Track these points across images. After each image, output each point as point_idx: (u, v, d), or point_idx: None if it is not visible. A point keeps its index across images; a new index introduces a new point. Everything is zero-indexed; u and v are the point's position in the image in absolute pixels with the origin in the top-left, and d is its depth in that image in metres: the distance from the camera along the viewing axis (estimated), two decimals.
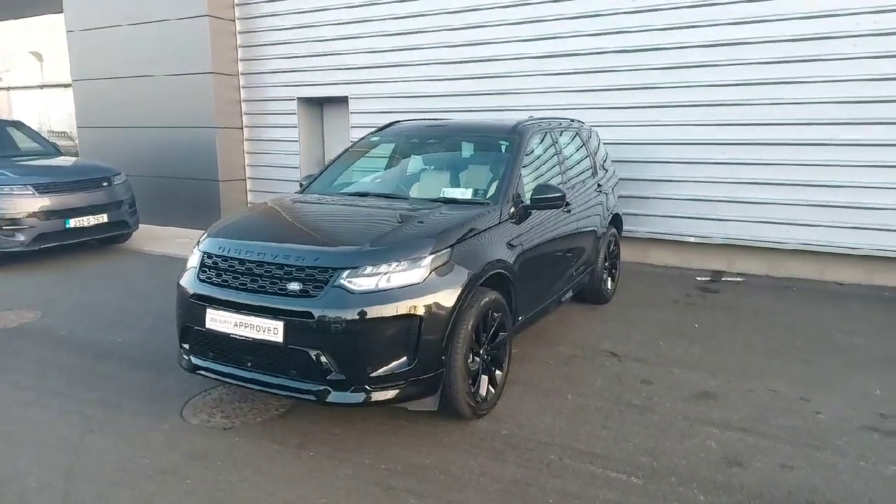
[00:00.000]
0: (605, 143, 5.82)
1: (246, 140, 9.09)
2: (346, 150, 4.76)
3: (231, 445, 3.02)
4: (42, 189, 6.60)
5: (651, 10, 6.15)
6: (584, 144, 5.19)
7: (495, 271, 3.33)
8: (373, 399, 2.87)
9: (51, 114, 13.05)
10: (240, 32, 8.78)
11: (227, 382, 3.19)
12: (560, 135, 4.80)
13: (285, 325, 2.86)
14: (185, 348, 3.28)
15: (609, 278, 5.36)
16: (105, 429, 3.20)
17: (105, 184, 7.15)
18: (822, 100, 5.65)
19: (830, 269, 5.96)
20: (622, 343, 4.37)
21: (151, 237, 8.21)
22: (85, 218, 6.86)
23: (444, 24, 7.25)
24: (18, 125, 8.24)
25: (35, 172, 6.90)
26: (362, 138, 4.80)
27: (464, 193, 3.87)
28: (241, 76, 8.90)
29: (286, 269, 2.96)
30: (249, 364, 3.02)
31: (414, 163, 4.53)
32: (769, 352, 4.22)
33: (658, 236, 6.60)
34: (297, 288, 2.90)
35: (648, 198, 6.53)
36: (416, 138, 4.67)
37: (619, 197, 5.86)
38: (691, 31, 6.03)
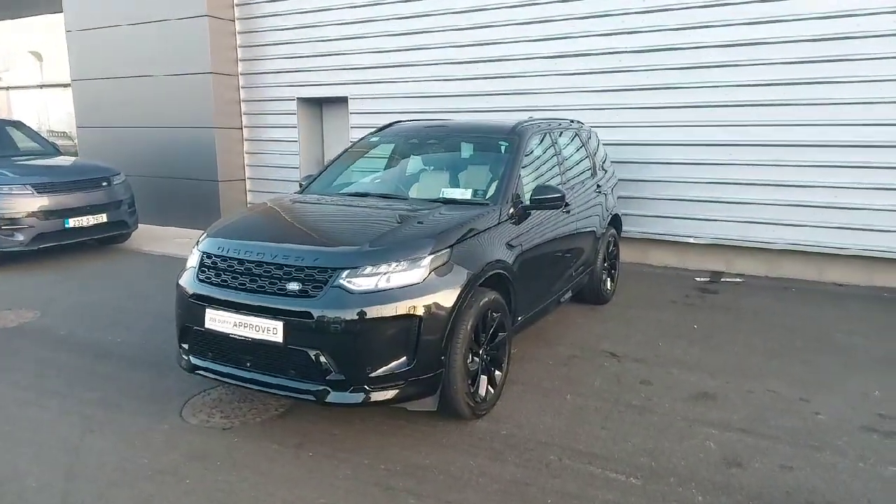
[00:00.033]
0: (605, 144, 5.82)
1: (245, 140, 9.09)
2: (346, 151, 4.76)
3: (230, 445, 3.02)
4: (41, 189, 6.60)
5: (661, 11, 6.13)
6: (583, 145, 5.19)
7: (495, 271, 3.34)
8: (372, 399, 2.87)
9: (50, 113, 13.04)
10: (239, 32, 8.78)
11: (227, 382, 3.19)
12: (559, 135, 4.80)
13: (284, 326, 2.86)
14: (184, 348, 3.28)
15: (608, 279, 5.36)
16: (105, 429, 3.19)
17: (104, 184, 7.15)
18: (822, 100, 5.66)
19: (830, 270, 5.97)
20: (621, 343, 4.37)
21: (151, 237, 8.21)
22: (84, 218, 6.86)
23: (450, 24, 7.23)
24: (18, 125, 8.24)
25: (34, 172, 6.90)
26: (362, 138, 4.80)
27: (463, 194, 3.87)
28: (240, 76, 8.90)
29: (285, 269, 2.96)
30: (249, 364, 3.02)
31: (413, 163, 4.53)
32: (769, 352, 4.22)
33: (657, 237, 6.60)
34: (297, 288, 2.90)
35: (647, 198, 6.53)
36: (415, 139, 4.67)
37: (619, 198, 5.87)
38: (701, 31, 6.00)
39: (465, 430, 3.15)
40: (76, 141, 10.36)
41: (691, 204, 6.34)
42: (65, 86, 11.13)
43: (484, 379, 3.27)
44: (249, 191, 9.20)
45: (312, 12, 8.13)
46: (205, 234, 3.42)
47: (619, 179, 6.15)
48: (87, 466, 2.84)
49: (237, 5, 8.70)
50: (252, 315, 2.93)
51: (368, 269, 2.89)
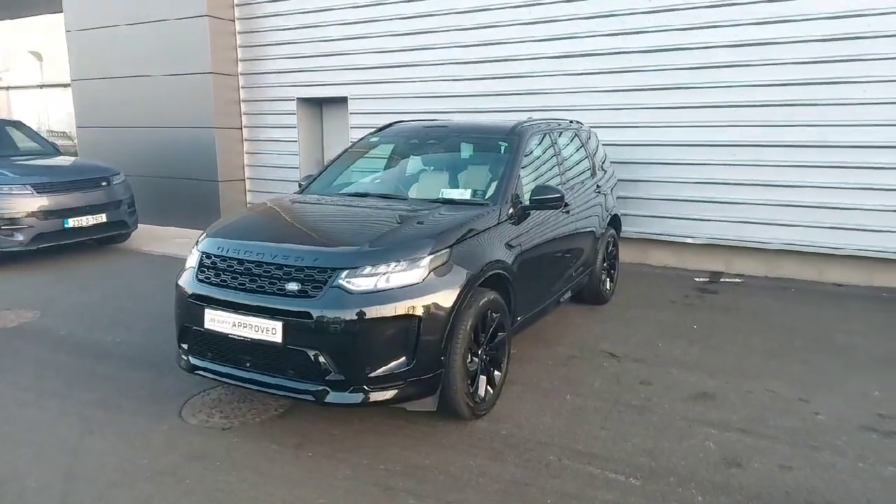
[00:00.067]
0: (609, 145, 5.83)
1: (245, 140, 9.09)
2: (346, 151, 4.76)
3: (230, 446, 3.02)
4: (41, 189, 6.60)
5: (667, 10, 6.12)
6: (583, 145, 5.19)
7: (494, 272, 3.34)
8: (371, 399, 2.87)
9: (50, 113, 13.04)
10: (239, 32, 8.78)
11: (226, 383, 3.19)
12: (559, 136, 4.80)
13: (284, 326, 2.86)
14: (183, 348, 3.28)
15: (608, 279, 5.36)
16: (104, 429, 3.19)
17: (104, 184, 7.15)
18: (821, 101, 5.66)
19: (829, 270, 5.97)
20: (621, 344, 4.38)
21: (150, 237, 8.21)
22: (84, 218, 6.86)
23: (454, 24, 7.20)
24: (18, 125, 8.24)
25: (34, 172, 6.90)
26: (362, 139, 4.80)
27: (463, 194, 3.87)
28: (240, 76, 8.90)
29: (285, 269, 2.96)
30: (248, 364, 3.02)
31: (413, 163, 4.53)
32: (768, 352, 4.23)
33: (656, 237, 6.60)
34: (296, 288, 2.90)
35: (647, 199, 6.53)
36: (415, 139, 4.67)
37: (618, 198, 5.87)
38: (708, 31, 5.98)
39: (465, 431, 3.15)
40: (76, 141, 10.36)
41: (690, 204, 6.34)
42: (64, 86, 11.13)
43: (483, 379, 3.27)
44: (249, 191, 9.20)
45: (313, 12, 8.13)
46: (204, 234, 3.42)
47: (620, 180, 6.15)
48: (86, 467, 2.84)
49: (237, 5, 8.70)
50: (251, 315, 2.93)
51: (368, 270, 2.89)
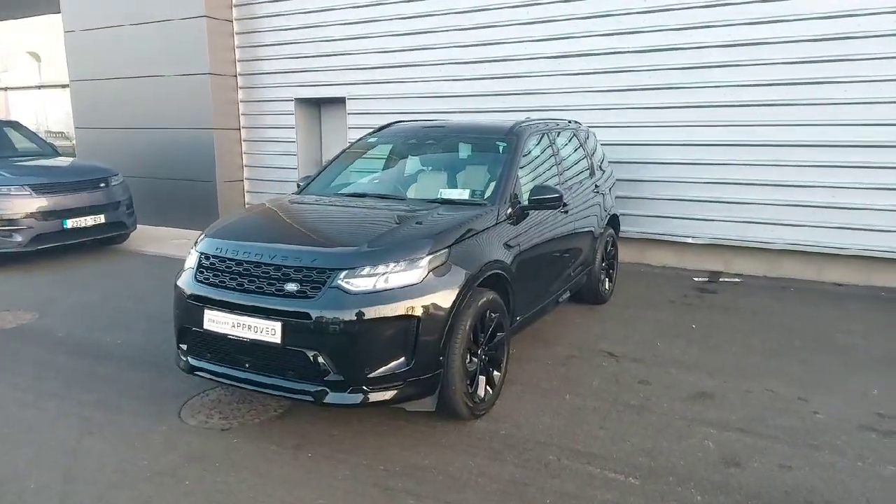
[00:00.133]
0: (607, 144, 5.82)
1: (244, 141, 9.09)
2: (344, 151, 4.76)
3: (229, 446, 3.02)
4: (39, 190, 6.59)
5: (662, 10, 6.13)
6: (581, 145, 5.20)
7: (493, 272, 3.34)
8: (370, 400, 2.87)
9: (48, 114, 13.04)
10: (238, 33, 8.77)
11: (225, 383, 3.19)
12: (557, 136, 4.80)
13: (283, 326, 2.86)
14: (182, 349, 3.27)
15: (607, 279, 5.36)
16: (104, 430, 3.19)
17: (102, 184, 7.14)
18: (822, 100, 5.67)
19: (829, 270, 5.98)
20: (620, 343, 4.38)
21: (149, 238, 8.20)
22: (82, 219, 6.86)
23: (453, 25, 7.20)
24: (16, 125, 8.23)
25: (32, 173, 6.89)
26: (360, 139, 4.80)
27: (461, 194, 3.87)
28: (238, 77, 8.90)
29: (284, 269, 2.96)
30: (247, 365, 3.02)
31: (411, 164, 4.53)
32: (767, 352, 4.23)
33: (655, 237, 6.60)
34: (295, 289, 2.90)
35: (646, 198, 6.54)
36: (413, 139, 4.67)
37: (617, 197, 5.87)
38: (702, 31, 5.99)
39: (464, 431, 3.15)
40: (74, 141, 10.34)
41: (690, 204, 6.34)
42: (63, 86, 11.12)
43: (482, 379, 3.27)
44: (248, 191, 9.20)
45: (312, 13, 8.13)
46: (203, 235, 3.42)
47: (619, 179, 6.15)
48: (86, 468, 2.84)
49: (235, 6, 8.70)
50: (250, 316, 2.93)
51: (367, 270, 2.89)
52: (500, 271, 3.40)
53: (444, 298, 2.97)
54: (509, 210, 3.68)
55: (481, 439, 3.07)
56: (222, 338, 3.02)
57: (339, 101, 8.33)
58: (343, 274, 2.87)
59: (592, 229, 4.94)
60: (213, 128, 8.62)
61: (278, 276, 2.95)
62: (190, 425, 3.24)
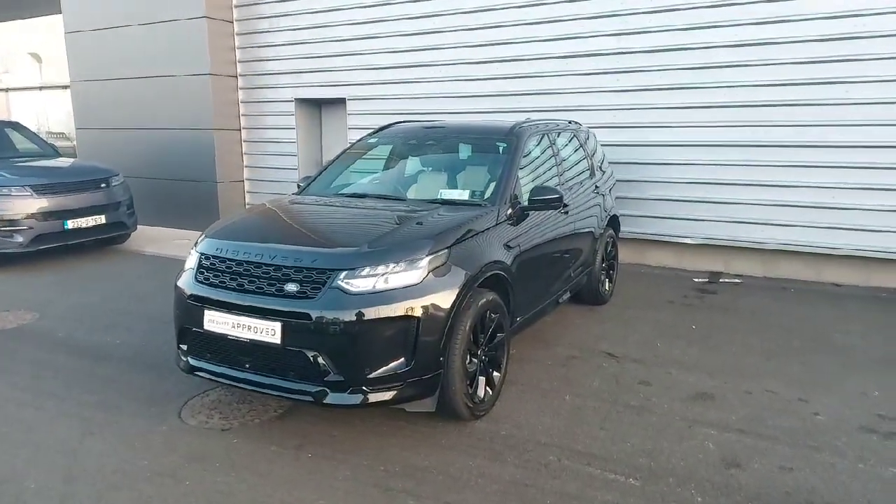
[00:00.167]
0: (611, 145, 5.81)
1: (244, 141, 9.09)
2: (344, 152, 4.76)
3: (229, 447, 3.02)
4: (40, 190, 6.60)
5: (668, 10, 6.12)
6: (581, 146, 5.20)
7: (493, 272, 3.34)
8: (370, 400, 2.87)
9: (49, 115, 13.04)
10: (238, 34, 8.78)
11: (225, 383, 3.19)
12: (557, 136, 4.81)
13: (283, 327, 2.86)
14: (182, 349, 3.28)
15: (607, 279, 5.36)
16: (104, 430, 3.19)
17: (103, 185, 7.15)
18: (821, 100, 5.67)
19: (828, 270, 5.98)
20: (620, 344, 4.38)
21: (149, 238, 8.20)
22: (83, 219, 6.86)
23: (458, 25, 7.18)
24: (16, 126, 8.24)
25: (33, 173, 6.90)
26: (360, 139, 4.81)
27: (461, 195, 3.87)
28: (239, 77, 8.90)
29: (284, 270, 2.96)
30: (247, 365, 3.02)
31: (412, 164, 4.54)
32: (767, 352, 4.23)
33: (655, 237, 6.60)
34: (295, 289, 2.90)
35: (647, 199, 6.54)
36: (413, 140, 4.67)
37: (617, 198, 5.87)
38: (709, 31, 5.98)
39: (464, 431, 3.15)
40: (75, 142, 10.35)
41: (690, 204, 6.34)
42: (64, 87, 11.13)
43: (482, 380, 3.27)
44: (248, 192, 9.20)
45: (314, 13, 8.13)
46: (203, 236, 3.42)
47: (622, 180, 6.16)
48: (85, 468, 2.84)
49: (236, 6, 8.71)
50: (250, 316, 2.93)
51: (366, 270, 2.89)
52: (500, 272, 3.40)
53: (444, 299, 2.97)
54: (509, 210, 3.68)
55: (481, 440, 3.07)
56: (222, 338, 3.02)
57: (340, 102, 8.34)
58: (343, 274, 2.88)
59: (592, 230, 4.94)
60: (214, 128, 8.62)
61: (278, 277, 2.95)
62: (190, 426, 3.24)
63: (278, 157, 8.81)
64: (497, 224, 3.55)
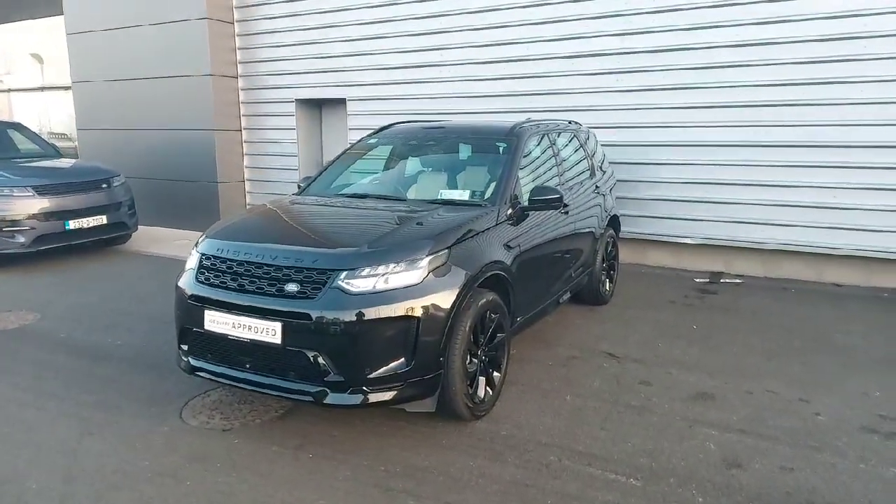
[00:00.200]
0: (614, 145, 5.80)
1: (245, 142, 9.10)
2: (345, 152, 4.77)
3: (230, 447, 3.02)
4: (41, 191, 6.61)
5: (671, 10, 6.11)
6: (581, 146, 5.20)
7: (493, 272, 3.34)
8: (371, 400, 2.87)
9: (51, 116, 13.06)
10: (239, 35, 8.79)
11: (226, 384, 3.19)
12: (558, 136, 4.81)
13: (283, 327, 2.86)
14: (183, 350, 3.28)
15: (607, 279, 5.36)
16: (104, 431, 3.20)
17: (104, 185, 7.16)
18: (821, 100, 5.67)
19: (828, 271, 5.97)
20: (620, 344, 4.37)
21: (150, 239, 8.21)
22: (84, 219, 6.87)
23: (462, 25, 7.17)
24: (18, 127, 8.26)
25: (35, 174, 6.91)
26: (360, 140, 4.81)
27: (461, 195, 3.88)
28: (240, 78, 8.92)
29: (284, 270, 2.96)
30: (248, 365, 3.03)
31: (412, 164, 4.54)
32: (767, 353, 4.22)
33: (656, 237, 6.60)
34: (295, 289, 2.90)
35: (647, 199, 6.53)
36: (413, 140, 4.67)
37: (618, 198, 5.87)
38: (711, 31, 5.98)
39: (465, 431, 3.15)
40: (76, 143, 10.37)
41: (691, 204, 6.34)
42: (65, 88, 11.14)
43: (482, 380, 3.27)
44: (248, 192, 9.21)
45: (314, 14, 8.13)
46: (204, 236, 3.42)
47: (622, 180, 6.15)
48: (86, 468, 2.84)
49: (237, 7, 8.72)
50: (251, 316, 2.93)
51: (367, 271, 2.89)
52: (500, 272, 3.40)
53: (445, 299, 2.97)
54: (509, 211, 3.68)
55: (482, 440, 3.07)
56: (223, 338, 3.03)
57: (340, 102, 8.34)
58: (343, 274, 2.88)
59: (593, 230, 4.94)
60: (215, 129, 8.63)
61: (279, 277, 2.95)
62: (191, 426, 3.24)
63: (279, 158, 8.82)
64: (497, 224, 3.55)
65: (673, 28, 6.14)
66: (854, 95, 5.52)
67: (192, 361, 3.21)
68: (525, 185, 3.98)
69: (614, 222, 5.55)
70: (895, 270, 5.71)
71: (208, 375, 3.17)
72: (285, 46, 8.44)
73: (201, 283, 3.16)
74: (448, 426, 3.19)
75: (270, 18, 8.51)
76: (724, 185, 6.15)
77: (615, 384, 3.73)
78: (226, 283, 3.08)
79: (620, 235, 5.82)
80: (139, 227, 7.83)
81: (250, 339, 2.93)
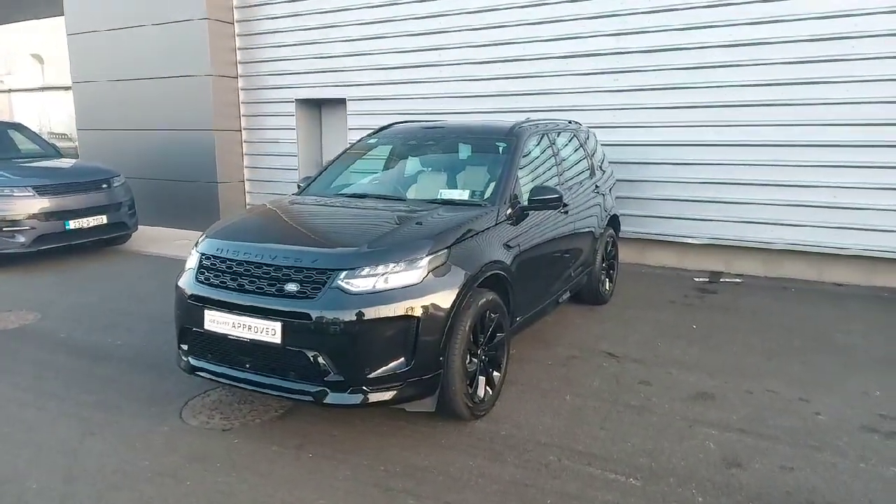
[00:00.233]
0: (614, 145, 5.81)
1: (244, 142, 9.11)
2: (344, 152, 4.77)
3: (230, 447, 3.02)
4: (42, 191, 6.61)
5: (666, 10, 6.12)
6: (581, 146, 5.20)
7: (493, 272, 3.34)
8: (370, 400, 2.87)
9: (51, 116, 13.07)
10: (239, 35, 8.79)
11: (226, 383, 3.19)
12: (557, 136, 4.81)
13: (283, 327, 2.86)
14: (183, 349, 3.28)
15: (607, 279, 5.36)
16: (104, 431, 3.20)
17: (104, 185, 7.16)
18: (820, 100, 5.67)
19: (829, 270, 5.97)
20: (620, 344, 4.37)
21: (150, 239, 8.22)
22: (84, 219, 6.88)
23: (458, 25, 7.18)
24: (19, 127, 8.26)
25: (35, 174, 6.92)
26: (360, 140, 4.81)
27: (461, 195, 3.88)
28: (239, 78, 8.92)
29: (284, 270, 2.96)
30: (247, 365, 3.03)
31: (411, 164, 4.54)
32: (767, 352, 4.22)
33: (656, 237, 6.60)
34: (295, 289, 2.91)
35: (647, 199, 6.53)
36: (413, 140, 4.67)
37: (618, 198, 5.87)
38: (705, 31, 5.99)
39: (465, 431, 3.15)
40: (77, 143, 10.37)
41: (691, 204, 6.34)
42: (65, 88, 11.15)
43: (482, 380, 3.27)
44: (248, 192, 9.22)
45: (315, 14, 8.13)
46: (204, 236, 3.42)
47: (621, 180, 6.15)
48: (86, 468, 2.85)
49: (237, 8, 8.72)
50: (251, 316, 2.93)
51: (366, 270, 2.89)
52: (499, 272, 3.40)
53: (444, 299, 2.97)
54: (509, 210, 3.68)
55: (481, 440, 3.07)
56: (223, 338, 3.03)
57: (340, 102, 8.34)
58: (343, 274, 2.88)
59: (593, 230, 4.94)
60: (214, 129, 8.64)
61: (278, 277, 2.96)
62: (191, 426, 3.24)
63: (278, 158, 8.83)
64: (497, 224, 3.56)
65: (668, 28, 6.15)
66: (859, 95, 5.51)
67: (192, 361, 3.22)
68: (525, 184, 3.98)
69: (614, 222, 5.55)
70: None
71: (208, 375, 3.17)
72: (285, 46, 8.44)
73: (201, 282, 3.16)
74: (448, 426, 3.19)
75: (270, 18, 8.51)
76: (725, 186, 6.14)
77: (615, 384, 3.73)
78: (226, 282, 3.08)
79: (620, 235, 5.82)
80: (139, 227, 7.84)
81: (250, 339, 2.93)
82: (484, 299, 3.20)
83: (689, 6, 6.03)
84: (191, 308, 3.15)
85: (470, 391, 3.16)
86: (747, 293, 5.67)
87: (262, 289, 2.96)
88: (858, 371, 3.91)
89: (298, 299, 2.88)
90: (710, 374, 3.85)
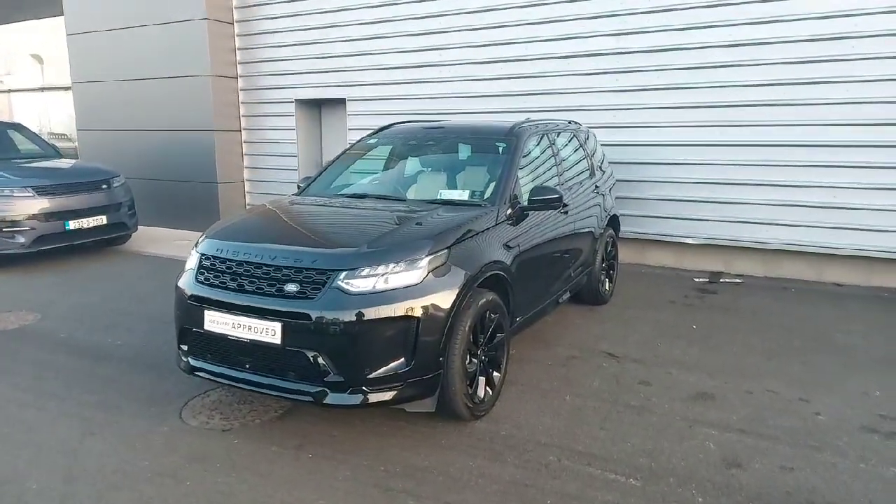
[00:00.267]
0: (611, 145, 5.80)
1: (244, 142, 9.11)
2: (344, 152, 4.77)
3: (230, 447, 3.02)
4: (42, 191, 6.61)
5: (666, 10, 6.12)
6: (581, 146, 5.20)
7: (493, 272, 3.34)
8: (370, 400, 2.87)
9: (51, 116, 13.07)
10: (238, 35, 8.79)
11: (225, 384, 3.19)
12: (557, 136, 4.81)
13: (283, 327, 2.86)
14: (183, 350, 3.28)
15: (607, 279, 5.36)
16: (104, 431, 3.20)
17: (104, 186, 7.16)
18: (819, 100, 5.67)
19: (829, 270, 5.97)
20: (620, 344, 4.37)
21: (150, 239, 8.22)
22: (84, 220, 6.88)
23: (458, 25, 7.18)
24: (18, 127, 8.26)
25: (35, 174, 6.91)
26: (360, 140, 4.81)
27: (461, 195, 3.88)
28: (239, 78, 8.92)
29: (284, 270, 2.96)
30: (247, 365, 3.03)
31: (411, 164, 4.54)
32: (767, 352, 4.22)
33: (656, 237, 6.60)
34: (295, 289, 2.91)
35: (647, 199, 6.53)
36: (413, 140, 4.67)
37: (617, 198, 5.87)
38: (705, 31, 5.99)
39: (465, 431, 3.15)
40: (76, 143, 10.37)
41: (691, 204, 6.34)
42: (65, 89, 11.15)
43: (482, 380, 3.27)
44: (248, 192, 9.22)
45: (315, 14, 8.13)
46: (204, 236, 3.42)
47: (621, 180, 6.15)
48: (86, 468, 2.85)
49: (236, 8, 8.72)
50: (250, 316, 2.93)
51: (366, 271, 2.89)
52: (499, 272, 3.40)
53: (444, 299, 2.97)
54: (509, 211, 3.68)
55: (481, 440, 3.07)
56: (222, 338, 3.03)
57: (339, 102, 8.34)
58: (343, 275, 2.88)
59: (592, 230, 4.94)
60: (214, 129, 8.64)
61: (278, 277, 2.96)
62: (191, 426, 3.24)
63: (278, 158, 8.83)
64: (497, 224, 3.56)
65: (668, 28, 6.15)
66: (858, 95, 5.51)
67: (192, 361, 3.21)
68: (525, 185, 3.98)
69: (614, 222, 5.55)
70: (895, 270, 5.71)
71: (208, 375, 3.17)
72: (285, 46, 8.44)
73: (201, 283, 3.16)
74: (448, 426, 3.19)
75: (270, 18, 8.51)
76: (724, 186, 6.14)
77: (615, 384, 3.73)
78: (225, 283, 3.08)
79: (620, 235, 5.82)
80: (139, 227, 7.84)
81: (250, 340, 2.93)
82: (484, 299, 3.20)
83: (688, 6, 6.03)
84: (191, 308, 3.15)
85: (470, 391, 3.16)
86: (747, 293, 5.68)
87: (262, 289, 2.96)
88: (858, 371, 3.91)
89: (298, 299, 2.88)
90: (710, 375, 3.85)
